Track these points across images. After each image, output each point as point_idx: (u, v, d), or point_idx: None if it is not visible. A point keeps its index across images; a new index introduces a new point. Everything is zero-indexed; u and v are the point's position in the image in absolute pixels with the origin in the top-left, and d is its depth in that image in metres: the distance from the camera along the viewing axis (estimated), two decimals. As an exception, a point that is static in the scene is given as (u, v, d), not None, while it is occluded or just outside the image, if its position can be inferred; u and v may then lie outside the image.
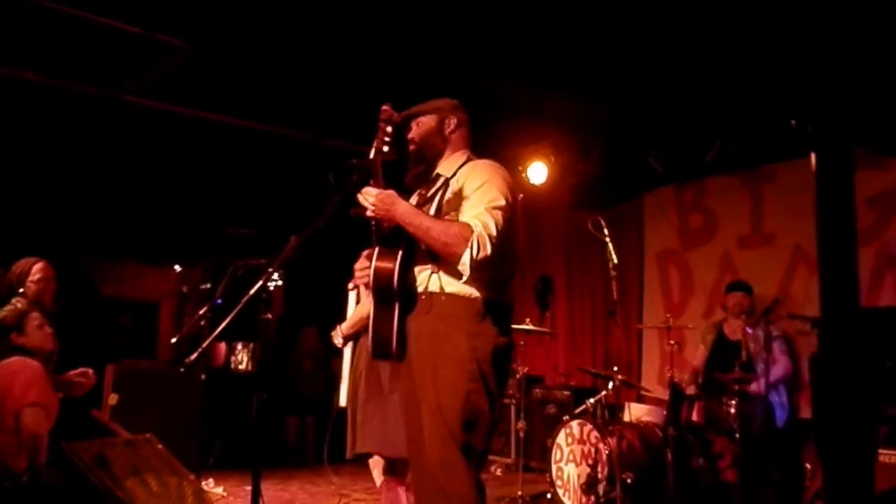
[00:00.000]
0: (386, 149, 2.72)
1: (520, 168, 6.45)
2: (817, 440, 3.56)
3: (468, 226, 2.59)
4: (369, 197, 2.66)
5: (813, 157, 3.43)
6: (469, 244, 2.54)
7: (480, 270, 2.59)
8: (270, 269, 2.87)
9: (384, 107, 2.75)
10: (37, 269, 3.94)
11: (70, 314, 4.49)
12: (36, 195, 6.89)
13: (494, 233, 2.58)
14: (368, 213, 2.66)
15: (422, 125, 2.92)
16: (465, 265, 2.56)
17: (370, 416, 4.09)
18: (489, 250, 2.55)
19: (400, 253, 2.71)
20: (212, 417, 5.94)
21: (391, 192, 2.68)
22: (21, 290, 3.87)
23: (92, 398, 5.97)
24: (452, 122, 2.92)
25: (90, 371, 3.90)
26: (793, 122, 5.41)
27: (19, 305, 3.71)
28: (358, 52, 4.90)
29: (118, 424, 4.67)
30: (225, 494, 5.15)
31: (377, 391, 4.68)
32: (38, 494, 2.95)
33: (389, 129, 2.73)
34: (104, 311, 7.63)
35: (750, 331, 5.10)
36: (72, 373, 3.85)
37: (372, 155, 2.72)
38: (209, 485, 5.10)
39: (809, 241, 5.81)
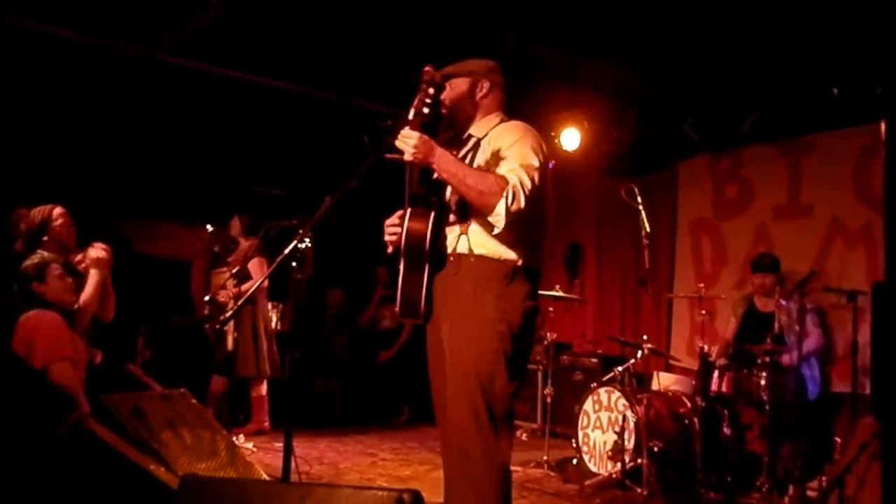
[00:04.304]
0: (426, 111, 2.67)
1: (553, 134, 6.36)
2: (876, 400, 3.43)
3: (504, 177, 2.59)
4: (409, 140, 2.59)
5: (883, 124, 3.31)
6: (504, 194, 2.54)
7: (512, 228, 2.59)
8: (304, 230, 2.87)
9: (427, 68, 2.69)
10: (58, 214, 3.88)
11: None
12: (70, 153, 6.95)
13: (530, 186, 2.58)
14: (407, 157, 2.61)
15: (454, 88, 2.88)
16: (499, 215, 2.55)
17: None
18: (523, 203, 2.55)
19: (433, 214, 2.71)
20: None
21: (429, 138, 2.64)
22: (45, 237, 3.81)
23: (127, 353, 6.10)
24: (485, 85, 2.88)
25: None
26: (835, 90, 5.29)
27: (46, 255, 3.68)
28: (390, 13, 4.85)
29: (152, 379, 4.76)
30: (255, 450, 5.23)
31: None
32: (77, 444, 3.01)
33: (431, 90, 2.67)
34: (138, 268, 7.72)
35: (784, 303, 5.05)
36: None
37: (411, 116, 2.67)
38: (239, 440, 5.19)
39: (847, 213, 5.73)
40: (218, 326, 5.40)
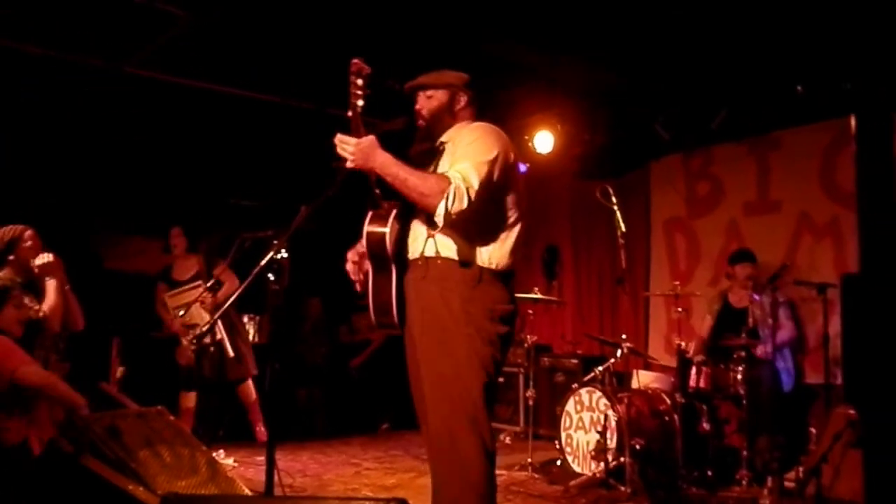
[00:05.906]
0: (361, 102, 2.65)
1: (526, 137, 6.41)
2: (848, 383, 3.44)
3: (446, 178, 2.57)
4: (347, 146, 2.60)
5: (852, 119, 3.34)
6: (445, 195, 2.51)
7: (458, 225, 2.58)
8: (281, 240, 2.86)
9: (354, 60, 2.67)
10: (28, 236, 3.88)
11: (77, 288, 4.48)
12: (39, 169, 6.86)
13: (475, 186, 2.55)
14: (348, 164, 2.61)
15: (433, 99, 2.87)
16: (440, 216, 2.53)
17: None
18: (465, 204, 2.53)
19: (392, 216, 2.69)
20: (220, 389, 5.96)
21: (371, 139, 2.62)
22: (11, 256, 3.80)
23: (100, 371, 6.00)
24: (463, 99, 2.88)
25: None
26: (799, 87, 5.37)
27: (8, 283, 3.66)
28: (363, 19, 4.83)
29: (127, 397, 4.69)
30: (236, 465, 5.19)
31: None
32: (53, 467, 2.96)
33: (360, 81, 2.64)
34: (109, 285, 7.63)
35: (757, 297, 5.11)
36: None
37: (350, 113, 2.66)
38: (220, 456, 5.12)
39: (815, 207, 5.82)
40: (205, 339, 5.32)
